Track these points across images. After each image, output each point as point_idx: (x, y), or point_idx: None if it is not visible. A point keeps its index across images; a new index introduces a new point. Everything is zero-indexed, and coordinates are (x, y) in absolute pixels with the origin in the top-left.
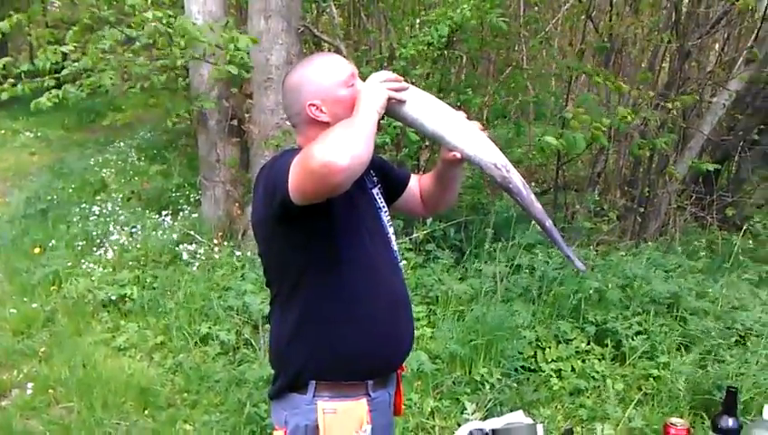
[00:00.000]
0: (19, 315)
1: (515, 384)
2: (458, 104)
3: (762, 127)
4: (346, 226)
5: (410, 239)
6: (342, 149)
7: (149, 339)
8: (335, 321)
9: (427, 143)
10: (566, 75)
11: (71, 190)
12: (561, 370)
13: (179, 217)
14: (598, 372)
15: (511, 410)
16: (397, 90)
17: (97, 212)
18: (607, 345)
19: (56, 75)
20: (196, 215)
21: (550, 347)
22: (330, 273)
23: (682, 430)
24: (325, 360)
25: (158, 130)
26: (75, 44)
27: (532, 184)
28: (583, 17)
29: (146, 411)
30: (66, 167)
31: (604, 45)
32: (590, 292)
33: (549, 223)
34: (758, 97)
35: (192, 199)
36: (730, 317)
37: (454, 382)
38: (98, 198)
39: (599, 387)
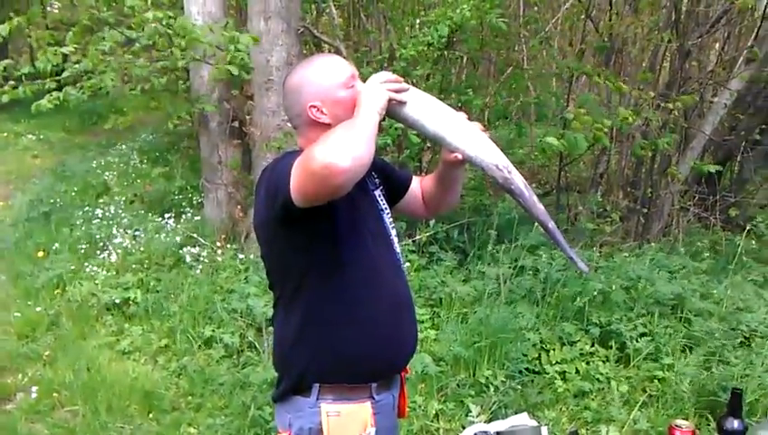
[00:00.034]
0: (23, 319)
1: (520, 386)
2: (459, 105)
3: (763, 126)
4: (348, 228)
5: (413, 241)
6: (343, 151)
7: (153, 342)
8: (337, 323)
9: (428, 145)
10: (566, 75)
11: (73, 193)
12: (565, 372)
13: (182, 220)
14: (602, 374)
15: (515, 413)
16: (397, 91)
17: (100, 215)
18: (611, 347)
19: (57, 78)
20: (198, 217)
21: (554, 349)
22: (332, 275)
23: (687, 432)
24: (328, 362)
25: (159, 132)
26: (75, 46)
27: (534, 185)
28: (583, 17)
29: (150, 415)
30: (68, 169)
31: (604, 45)
32: (594, 293)
33: (551, 224)
34: (759, 96)
35: (194, 202)
36: (734, 318)
37: (458, 385)
38: (100, 200)
39: (603, 389)
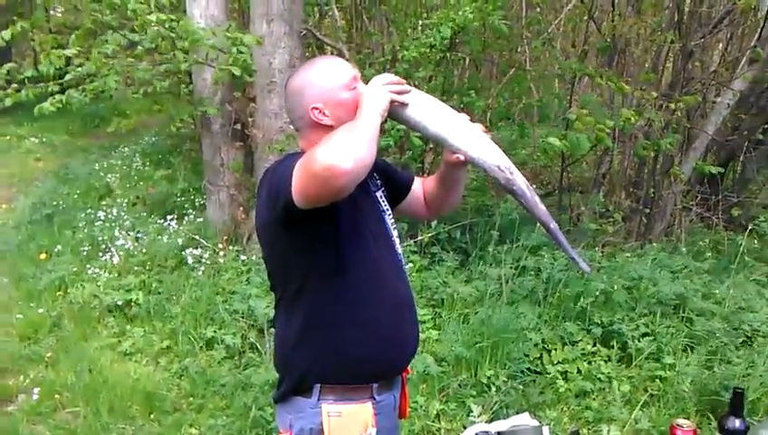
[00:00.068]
0: (25, 321)
1: (521, 386)
2: (461, 107)
3: (766, 126)
4: (350, 229)
5: (415, 242)
6: (345, 153)
7: (155, 343)
8: (339, 324)
9: (430, 146)
10: (569, 76)
11: (76, 196)
12: (567, 372)
13: (184, 222)
14: (604, 374)
15: (517, 413)
16: (399, 92)
17: (102, 217)
18: (613, 347)
19: (60, 81)
20: (201, 219)
21: (556, 349)
22: (334, 276)
23: (688, 432)
24: (330, 363)
25: (162, 134)
26: (78, 49)
27: (536, 186)
28: (586, 18)
29: (152, 416)
30: (71, 172)
31: (607, 46)
32: (596, 293)
33: (553, 225)
34: (762, 97)
35: (197, 204)
36: (737, 318)
37: (459, 385)
38: (103, 203)
39: (605, 389)
